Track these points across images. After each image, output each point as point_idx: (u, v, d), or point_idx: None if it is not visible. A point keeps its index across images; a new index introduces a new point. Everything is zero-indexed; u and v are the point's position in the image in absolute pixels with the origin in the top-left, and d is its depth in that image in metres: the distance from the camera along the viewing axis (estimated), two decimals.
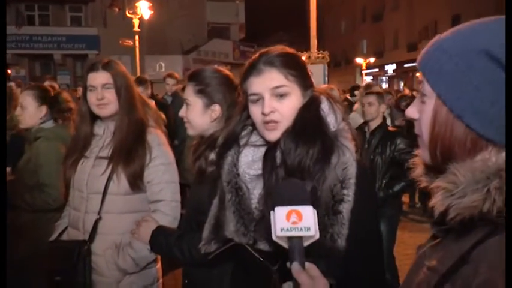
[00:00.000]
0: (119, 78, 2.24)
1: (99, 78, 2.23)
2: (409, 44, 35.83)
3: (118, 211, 2.22)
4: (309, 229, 1.06)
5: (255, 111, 1.46)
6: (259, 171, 1.44)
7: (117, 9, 21.56)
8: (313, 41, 9.67)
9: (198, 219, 1.79)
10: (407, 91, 13.24)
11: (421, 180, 1.02)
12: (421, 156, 1.00)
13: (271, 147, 1.45)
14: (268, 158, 1.44)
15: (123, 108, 2.23)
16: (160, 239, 1.96)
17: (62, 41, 25.27)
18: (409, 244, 5.52)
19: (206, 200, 1.71)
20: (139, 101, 2.30)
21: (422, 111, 0.96)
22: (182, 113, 1.98)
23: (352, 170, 1.37)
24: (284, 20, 45.37)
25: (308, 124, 1.41)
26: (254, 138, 1.52)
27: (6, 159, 2.88)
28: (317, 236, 1.08)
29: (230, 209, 1.47)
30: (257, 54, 1.50)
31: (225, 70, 2.03)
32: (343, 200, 1.34)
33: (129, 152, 2.18)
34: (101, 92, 2.22)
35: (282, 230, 1.07)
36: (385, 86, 38.53)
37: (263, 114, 1.42)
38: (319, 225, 1.08)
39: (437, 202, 0.89)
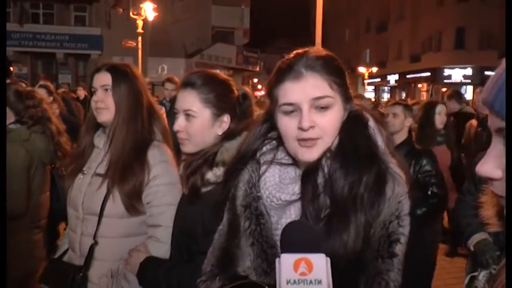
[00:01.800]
0: (121, 81, 2.00)
1: (99, 78, 2.02)
2: (412, 55, 35.86)
3: (116, 235, 1.97)
4: (320, 282, 0.91)
5: (288, 124, 1.20)
6: (294, 197, 1.20)
7: (121, 10, 21.65)
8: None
9: (188, 247, 1.59)
10: (410, 102, 13.16)
11: (491, 223, 0.81)
12: None
13: (310, 169, 1.20)
14: (308, 182, 1.19)
15: (121, 116, 1.97)
16: (148, 273, 1.70)
17: (65, 40, 25.18)
18: None
19: (199, 225, 1.52)
20: (146, 111, 2.03)
21: None
22: (179, 126, 1.67)
23: (407, 204, 1.16)
24: (288, 26, 45.40)
25: (359, 145, 1.19)
26: (280, 155, 1.28)
27: None
28: None
29: (248, 240, 1.22)
30: (292, 55, 1.24)
31: (223, 75, 1.82)
32: (400, 240, 1.12)
33: (124, 169, 1.93)
34: (100, 94, 2.00)
35: (288, 282, 0.91)
36: (387, 96, 38.62)
37: (300, 129, 1.17)
38: (370, 268, 0.95)
39: None
